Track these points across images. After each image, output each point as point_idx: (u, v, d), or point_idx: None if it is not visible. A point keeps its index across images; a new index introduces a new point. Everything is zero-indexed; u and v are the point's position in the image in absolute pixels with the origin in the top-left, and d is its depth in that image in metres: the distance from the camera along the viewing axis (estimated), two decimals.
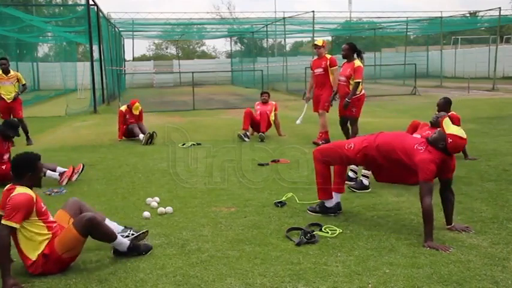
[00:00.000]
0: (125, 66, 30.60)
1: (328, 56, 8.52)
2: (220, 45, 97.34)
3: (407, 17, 29.94)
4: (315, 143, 8.09)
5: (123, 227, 4.09)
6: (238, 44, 42.40)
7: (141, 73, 33.62)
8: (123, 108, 9.70)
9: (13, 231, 3.33)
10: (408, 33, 34.21)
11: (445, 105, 6.69)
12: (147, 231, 4.03)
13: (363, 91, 7.77)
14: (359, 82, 7.53)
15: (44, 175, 5.95)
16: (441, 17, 26.40)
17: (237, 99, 20.65)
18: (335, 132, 8.32)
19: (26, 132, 9.38)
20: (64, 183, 6.01)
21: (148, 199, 5.14)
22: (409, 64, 25.27)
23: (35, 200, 3.41)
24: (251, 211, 4.76)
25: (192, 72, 20.65)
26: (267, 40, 34.83)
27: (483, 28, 37.59)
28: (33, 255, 3.40)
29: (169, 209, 4.80)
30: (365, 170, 5.32)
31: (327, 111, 8.54)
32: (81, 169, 6.27)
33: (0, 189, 3.84)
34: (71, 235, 3.42)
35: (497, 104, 15.08)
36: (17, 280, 3.25)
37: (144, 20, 27.33)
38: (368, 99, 10.01)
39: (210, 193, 5.47)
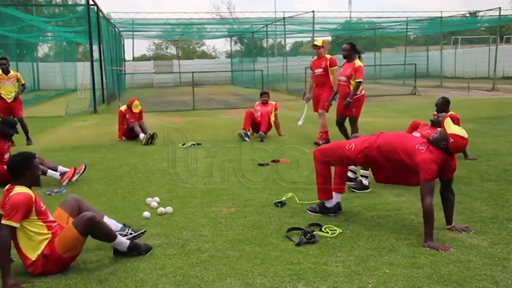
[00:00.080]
0: (124, 66, 30.58)
1: (328, 56, 8.52)
2: (220, 45, 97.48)
3: (407, 17, 29.94)
4: (316, 143, 8.09)
5: (121, 225, 4.10)
6: (238, 44, 42.39)
7: (141, 73, 33.61)
8: (123, 108, 9.70)
9: (13, 231, 3.33)
10: (408, 33, 34.21)
11: (443, 105, 6.71)
12: (145, 230, 4.03)
13: (363, 91, 7.77)
14: (360, 82, 7.53)
15: (45, 174, 5.97)
16: (441, 17, 26.39)
17: (237, 99, 20.64)
18: (335, 132, 8.31)
19: (26, 132, 9.39)
20: (64, 183, 6.02)
21: (148, 199, 5.15)
22: (409, 64, 25.26)
23: (33, 199, 3.41)
24: (251, 211, 4.76)
25: (192, 72, 20.64)
26: (267, 40, 34.84)
27: (483, 28, 37.60)
28: (32, 255, 3.40)
29: (169, 209, 4.81)
30: (363, 170, 5.33)
31: (327, 111, 8.54)
32: (83, 170, 6.26)
33: (0, 189, 3.84)
34: (71, 235, 3.42)
35: (497, 104, 15.08)
36: (17, 280, 3.25)
37: (144, 20, 27.33)
38: (368, 99, 10.01)
39: (210, 193, 5.47)
